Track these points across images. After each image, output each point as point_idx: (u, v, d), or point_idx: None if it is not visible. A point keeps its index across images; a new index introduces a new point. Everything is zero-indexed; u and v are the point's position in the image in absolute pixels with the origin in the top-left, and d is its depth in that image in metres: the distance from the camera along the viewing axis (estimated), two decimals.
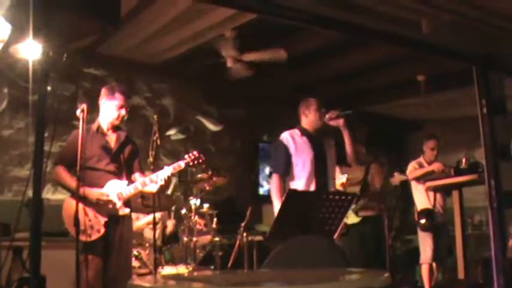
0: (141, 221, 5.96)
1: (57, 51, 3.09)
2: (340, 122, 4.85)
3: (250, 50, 6.67)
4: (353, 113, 4.86)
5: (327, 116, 4.86)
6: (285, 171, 4.79)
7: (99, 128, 4.46)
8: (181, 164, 4.51)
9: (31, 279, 2.72)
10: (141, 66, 7.57)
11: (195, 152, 4.62)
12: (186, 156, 4.59)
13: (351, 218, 6.72)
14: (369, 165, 6.93)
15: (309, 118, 4.91)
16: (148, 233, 5.96)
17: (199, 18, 6.01)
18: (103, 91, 4.49)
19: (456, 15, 5.04)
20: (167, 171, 4.42)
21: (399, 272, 7.37)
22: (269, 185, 4.90)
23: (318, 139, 4.91)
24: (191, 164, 4.57)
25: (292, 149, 4.79)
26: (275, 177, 4.80)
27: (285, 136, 4.88)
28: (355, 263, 6.64)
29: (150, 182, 4.38)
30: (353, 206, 6.74)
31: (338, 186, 6.00)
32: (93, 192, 4.23)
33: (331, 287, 1.72)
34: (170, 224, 6.35)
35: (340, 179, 6.19)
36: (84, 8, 3.25)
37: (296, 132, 4.92)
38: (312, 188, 4.70)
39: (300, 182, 4.73)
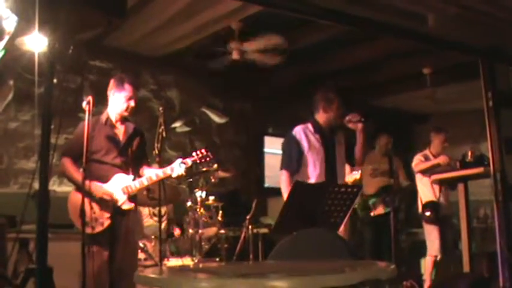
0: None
1: (63, 43, 3.09)
2: (359, 126, 4.82)
3: (249, 40, 6.65)
4: (371, 121, 4.86)
5: (347, 117, 4.81)
6: (296, 168, 4.71)
7: (108, 119, 4.44)
8: (189, 161, 4.45)
9: (38, 271, 2.73)
10: (147, 58, 7.57)
11: (203, 150, 4.54)
12: (194, 153, 4.54)
13: (381, 209, 6.76)
14: (391, 156, 6.95)
15: (328, 114, 4.82)
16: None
17: (205, 10, 6.00)
18: (112, 82, 4.46)
19: (462, 8, 5.02)
20: (180, 169, 4.39)
21: (404, 265, 7.37)
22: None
23: (330, 136, 4.86)
24: (198, 162, 4.53)
25: (305, 146, 4.71)
26: (285, 174, 4.70)
27: (298, 131, 4.79)
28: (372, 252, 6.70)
29: (163, 174, 4.36)
30: (382, 196, 6.77)
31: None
32: (97, 189, 4.22)
33: (337, 279, 1.73)
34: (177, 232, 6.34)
35: (353, 175, 6.17)
36: (90, 0, 3.26)
37: (309, 128, 4.82)
38: None
39: (310, 179, 4.68)
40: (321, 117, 4.87)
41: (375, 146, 7.27)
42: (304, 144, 4.72)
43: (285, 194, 4.57)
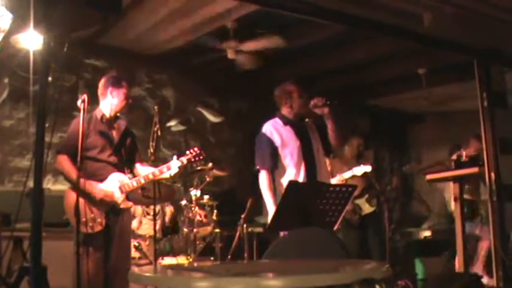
0: None
1: (58, 41, 3.09)
2: (325, 110, 4.73)
3: (248, 40, 6.64)
4: (338, 103, 4.78)
5: (313, 102, 4.73)
6: (273, 165, 4.59)
7: (102, 116, 4.44)
8: (184, 159, 4.50)
9: (32, 269, 2.72)
10: (142, 57, 7.56)
11: (196, 148, 4.60)
12: (188, 152, 4.58)
13: (366, 208, 6.74)
14: (360, 158, 6.94)
15: (292, 107, 4.74)
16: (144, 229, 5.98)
17: (201, 9, 5.99)
18: (106, 80, 4.47)
19: (458, 8, 5.02)
20: (176, 166, 4.42)
21: (399, 265, 7.38)
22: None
23: (300, 125, 4.77)
24: (192, 160, 4.57)
25: (277, 141, 4.61)
26: (264, 173, 4.57)
27: (268, 128, 4.69)
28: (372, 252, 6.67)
29: (159, 173, 4.39)
30: (366, 196, 6.76)
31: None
32: (97, 191, 4.21)
33: (331, 278, 1.73)
34: (168, 211, 6.33)
35: (362, 168, 6.14)
36: None
37: (278, 121, 4.74)
38: (302, 176, 4.56)
39: (290, 172, 4.58)
40: (285, 111, 4.79)
41: (346, 148, 7.21)
42: (276, 139, 4.62)
43: (265, 193, 4.52)
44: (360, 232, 6.83)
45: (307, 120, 4.90)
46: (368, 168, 6.06)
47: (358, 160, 7.00)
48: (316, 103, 4.68)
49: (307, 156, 4.66)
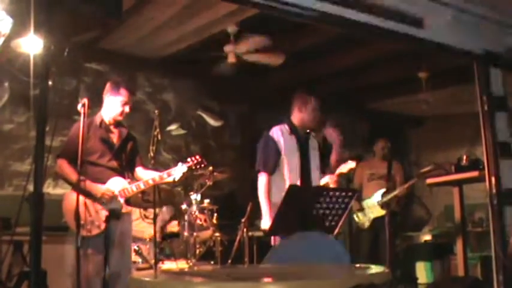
0: None
1: (59, 45, 3.09)
2: (337, 141, 4.82)
3: (251, 50, 6.64)
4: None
5: (330, 129, 4.82)
6: (274, 169, 4.62)
7: (102, 122, 4.46)
8: (185, 167, 4.56)
9: (32, 274, 2.72)
10: (143, 61, 7.56)
11: (197, 156, 4.66)
12: (189, 159, 4.61)
13: (376, 212, 6.72)
14: (390, 160, 6.94)
15: (302, 114, 4.79)
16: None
17: (201, 13, 6.00)
18: (108, 85, 4.50)
19: (458, 12, 5.03)
20: (178, 172, 4.45)
21: (399, 269, 7.38)
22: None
23: (304, 139, 4.82)
24: (193, 168, 4.61)
25: (282, 148, 4.64)
26: (264, 176, 4.58)
27: (275, 131, 4.71)
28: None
29: (160, 179, 4.42)
30: (380, 199, 6.74)
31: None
32: (98, 188, 4.23)
33: (332, 283, 1.72)
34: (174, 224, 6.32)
35: (348, 165, 6.10)
36: (86, 3, 3.26)
37: (285, 128, 4.76)
38: None
39: (285, 181, 4.60)
40: (295, 117, 4.83)
41: (374, 151, 7.26)
42: (282, 144, 4.64)
43: (262, 197, 4.54)
44: (372, 234, 6.83)
45: (312, 134, 4.93)
46: (352, 164, 6.02)
47: (387, 161, 6.98)
48: (332, 133, 4.75)
49: (303, 169, 4.69)
